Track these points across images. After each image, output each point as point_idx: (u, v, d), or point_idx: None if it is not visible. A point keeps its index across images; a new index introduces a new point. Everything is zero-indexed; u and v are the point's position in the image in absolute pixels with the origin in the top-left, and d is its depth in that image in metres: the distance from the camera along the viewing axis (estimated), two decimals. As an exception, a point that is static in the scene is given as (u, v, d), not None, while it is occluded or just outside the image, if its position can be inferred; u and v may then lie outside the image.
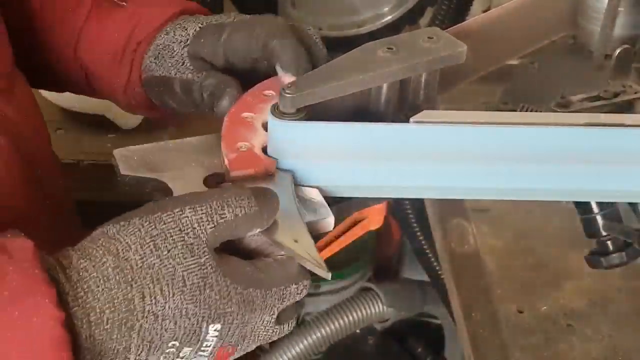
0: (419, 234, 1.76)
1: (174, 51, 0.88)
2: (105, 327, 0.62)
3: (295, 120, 0.75)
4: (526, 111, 0.92)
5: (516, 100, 0.95)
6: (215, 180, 0.77)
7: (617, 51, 0.95)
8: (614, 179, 0.79)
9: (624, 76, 0.95)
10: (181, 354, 0.66)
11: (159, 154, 0.80)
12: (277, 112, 0.75)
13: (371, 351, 2.09)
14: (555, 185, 0.80)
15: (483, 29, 0.92)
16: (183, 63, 0.88)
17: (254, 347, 0.70)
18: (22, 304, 0.59)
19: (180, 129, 1.56)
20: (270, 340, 0.71)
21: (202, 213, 0.66)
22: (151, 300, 0.64)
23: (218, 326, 0.66)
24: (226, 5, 1.99)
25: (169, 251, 0.64)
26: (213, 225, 0.66)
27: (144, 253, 0.64)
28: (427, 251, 1.76)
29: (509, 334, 1.15)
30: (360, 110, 0.79)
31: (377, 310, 1.90)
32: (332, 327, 1.87)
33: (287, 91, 0.74)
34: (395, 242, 2.17)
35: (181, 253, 0.65)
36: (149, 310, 0.63)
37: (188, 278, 0.64)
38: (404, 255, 2.17)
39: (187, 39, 0.88)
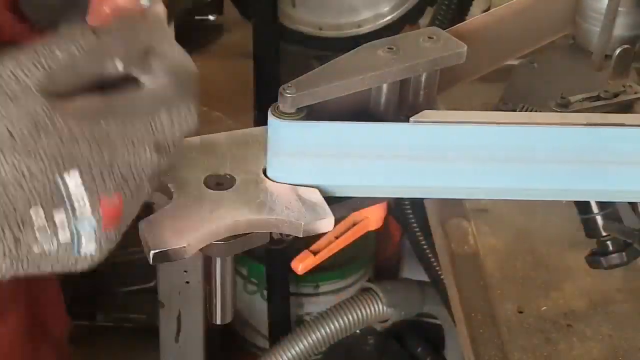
0: (419, 234, 1.77)
1: None
2: None
3: (295, 120, 0.75)
4: (526, 111, 0.92)
5: (516, 100, 0.95)
6: (215, 181, 0.77)
7: (617, 51, 0.95)
8: (614, 179, 0.79)
9: (624, 76, 0.95)
10: (58, 223, 0.58)
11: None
12: (277, 112, 0.75)
13: (371, 351, 2.09)
14: (555, 185, 0.80)
15: (483, 29, 0.92)
16: None
17: (147, 187, 0.63)
18: None
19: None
20: (154, 174, 0.63)
21: (28, 60, 0.58)
22: None
23: (75, 173, 0.58)
24: (226, 5, 2.00)
25: None
26: (43, 69, 0.58)
27: None
28: (427, 251, 1.76)
29: (508, 334, 1.16)
30: (360, 110, 0.79)
31: (377, 310, 1.90)
32: (332, 327, 1.87)
33: (287, 91, 0.74)
34: (395, 242, 2.18)
35: (2, 107, 0.57)
36: None
37: (14, 131, 0.56)
38: (404, 256, 2.17)
39: None
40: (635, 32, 0.99)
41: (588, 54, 0.99)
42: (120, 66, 0.62)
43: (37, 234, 0.58)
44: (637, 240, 0.97)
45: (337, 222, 0.76)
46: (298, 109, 0.75)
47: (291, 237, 0.76)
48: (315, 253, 0.84)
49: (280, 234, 0.76)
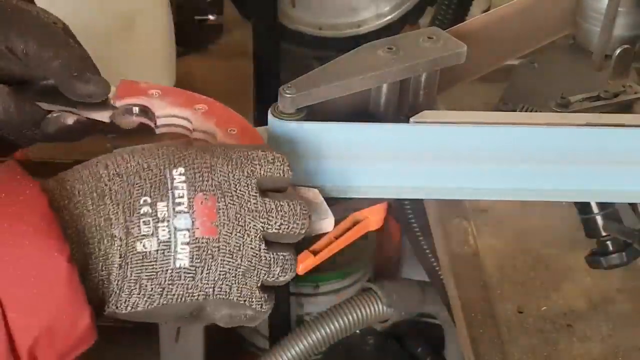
0: (419, 234, 1.77)
1: None
2: (79, 199, 0.65)
3: (295, 120, 0.75)
4: (526, 111, 0.92)
5: (516, 100, 0.95)
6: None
7: (617, 51, 0.95)
8: (614, 179, 0.79)
9: (624, 76, 0.95)
10: (159, 214, 0.65)
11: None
12: (276, 112, 0.75)
13: (371, 351, 2.08)
14: (555, 185, 0.80)
15: (483, 29, 0.92)
16: None
17: (244, 216, 0.67)
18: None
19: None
20: (268, 216, 0.68)
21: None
22: (114, 165, 0.67)
23: (182, 169, 0.67)
24: (226, 5, 1.99)
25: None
26: None
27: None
28: (427, 251, 1.76)
29: (508, 334, 1.15)
30: (360, 110, 0.79)
31: (377, 310, 1.90)
32: (332, 327, 1.87)
33: (287, 91, 0.74)
34: (395, 242, 2.17)
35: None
36: (113, 174, 0.66)
37: (146, 147, 0.68)
38: (404, 256, 2.17)
39: None
40: (635, 32, 0.99)
41: (588, 54, 0.99)
42: None
43: (142, 225, 0.65)
44: (637, 241, 0.97)
45: (337, 222, 0.76)
46: (298, 109, 0.75)
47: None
48: (315, 253, 0.84)
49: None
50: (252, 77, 1.81)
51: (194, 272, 0.66)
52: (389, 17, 1.93)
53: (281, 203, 0.68)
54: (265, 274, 0.68)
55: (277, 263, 0.68)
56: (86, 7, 1.48)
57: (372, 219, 0.85)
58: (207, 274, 0.66)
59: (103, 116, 0.81)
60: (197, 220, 0.66)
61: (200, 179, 0.67)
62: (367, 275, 2.14)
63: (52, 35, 0.80)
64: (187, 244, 0.65)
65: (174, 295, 0.66)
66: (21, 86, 0.82)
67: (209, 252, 0.66)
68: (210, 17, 1.98)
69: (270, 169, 0.69)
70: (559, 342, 1.15)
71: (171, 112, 0.79)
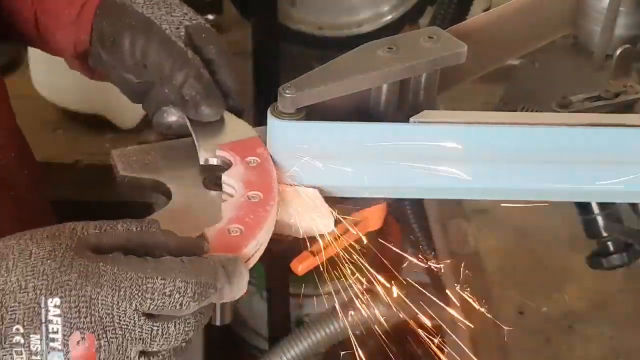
0: (419, 234, 1.76)
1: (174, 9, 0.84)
2: None
3: (295, 120, 0.75)
4: (526, 111, 0.92)
5: (516, 100, 0.94)
6: (214, 181, 0.77)
7: (618, 51, 0.94)
8: (614, 179, 0.79)
9: (625, 76, 0.95)
10: (32, 347, 0.62)
11: (158, 154, 0.79)
12: (276, 112, 0.75)
13: (371, 352, 2.08)
14: (555, 185, 0.79)
15: (483, 29, 0.91)
16: (178, 27, 0.84)
17: (127, 345, 0.64)
18: None
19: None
20: (151, 341, 0.65)
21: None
22: None
23: (57, 300, 0.62)
24: (226, 5, 1.99)
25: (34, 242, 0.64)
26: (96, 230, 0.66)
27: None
28: (427, 252, 1.76)
29: (509, 335, 1.15)
30: (360, 110, 0.79)
31: (377, 311, 1.89)
32: (332, 328, 1.87)
33: (287, 91, 0.74)
34: (395, 242, 2.17)
35: (47, 248, 0.64)
36: None
37: (35, 251, 0.64)
38: (404, 256, 2.17)
39: (193, 19, 0.85)
40: (636, 32, 0.99)
41: (589, 54, 0.99)
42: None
43: (15, 355, 0.62)
44: (638, 241, 0.97)
45: (337, 222, 0.76)
46: (298, 109, 0.75)
47: (291, 237, 0.76)
48: (315, 254, 0.84)
49: (280, 235, 0.75)
50: (252, 77, 1.81)
51: None
52: (389, 17, 1.93)
53: (168, 325, 0.65)
54: None
55: None
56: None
57: (372, 219, 0.85)
58: None
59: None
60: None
61: (77, 314, 0.63)
62: (366, 276, 2.14)
63: (170, 50, 0.80)
64: None
65: None
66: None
67: None
68: (210, 16, 1.98)
69: (164, 302, 0.64)
70: (559, 342, 1.15)
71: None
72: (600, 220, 0.99)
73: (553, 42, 1.02)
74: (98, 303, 0.63)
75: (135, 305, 0.63)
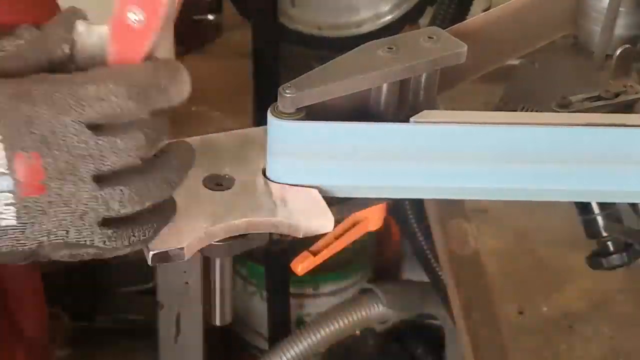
0: (418, 234, 1.76)
1: None
2: None
3: (294, 120, 0.75)
4: (526, 111, 0.92)
5: (516, 100, 0.94)
6: (214, 181, 0.77)
7: (618, 51, 0.94)
8: (614, 179, 0.79)
9: (625, 76, 0.95)
10: None
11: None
12: (276, 112, 0.75)
13: (371, 352, 2.08)
14: (555, 185, 0.79)
15: (483, 29, 0.91)
16: None
17: (75, 162, 0.62)
18: None
19: (179, 129, 1.56)
20: (101, 157, 0.62)
21: None
22: None
23: None
24: (226, 5, 1.99)
25: None
26: None
27: None
28: (427, 252, 1.76)
29: (509, 335, 1.15)
30: (360, 110, 0.79)
31: (377, 311, 1.90)
32: (332, 328, 1.87)
33: (287, 91, 0.74)
34: (395, 243, 2.17)
35: None
36: None
37: None
38: (404, 256, 2.17)
39: None
40: (636, 31, 0.99)
41: (589, 54, 0.99)
42: (66, 49, 0.65)
43: None
44: (638, 241, 0.97)
45: (337, 222, 0.76)
46: (298, 109, 0.75)
47: (291, 237, 0.76)
48: (315, 254, 0.84)
49: (280, 235, 0.75)
50: (252, 77, 1.81)
51: (23, 227, 0.62)
52: (389, 17, 1.93)
53: (116, 139, 0.62)
54: (105, 211, 0.64)
55: (114, 198, 0.64)
56: (84, 8, 1.47)
57: (372, 219, 0.85)
58: (38, 226, 0.63)
59: None
60: (21, 182, 0.61)
61: (19, 134, 0.61)
62: (367, 276, 2.14)
63: None
64: (12, 204, 0.62)
65: (1, 247, 0.63)
66: None
67: (39, 208, 0.62)
68: (209, 16, 1.98)
69: (103, 106, 0.62)
70: (559, 343, 1.15)
71: None
72: (600, 220, 0.99)
73: (553, 42, 1.02)
74: (39, 119, 0.61)
75: (74, 115, 0.61)
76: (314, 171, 0.76)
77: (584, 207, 1.00)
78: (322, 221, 0.75)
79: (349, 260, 2.06)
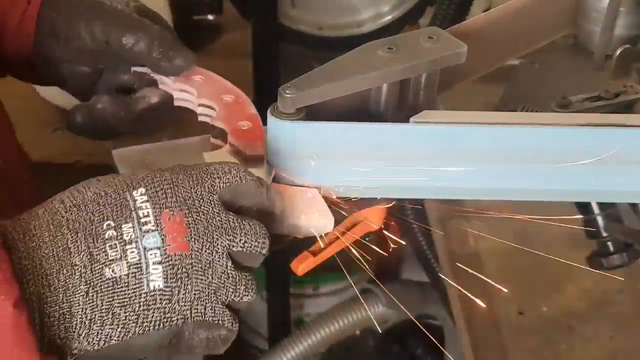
0: (419, 234, 1.76)
1: None
2: (34, 233, 0.63)
3: (294, 120, 0.75)
4: (526, 111, 0.92)
5: (516, 100, 0.94)
6: None
7: (618, 51, 0.94)
8: (614, 179, 0.79)
9: (625, 76, 0.95)
10: (125, 236, 0.63)
11: (158, 154, 0.79)
12: (276, 112, 0.75)
13: (371, 352, 2.08)
14: (555, 185, 0.79)
15: (483, 29, 0.91)
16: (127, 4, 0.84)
17: (212, 232, 0.65)
18: None
19: (179, 130, 1.56)
20: (233, 233, 0.66)
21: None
22: (70, 198, 0.65)
23: (142, 189, 0.65)
24: (226, 5, 1.99)
25: None
26: None
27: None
28: (427, 251, 1.76)
29: (509, 335, 1.15)
30: (360, 110, 0.79)
31: (377, 311, 1.90)
32: (332, 328, 1.87)
33: (287, 91, 0.74)
34: (395, 242, 2.17)
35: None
36: (70, 206, 0.64)
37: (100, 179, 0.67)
38: (404, 257, 2.17)
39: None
40: (636, 32, 0.98)
41: (589, 54, 0.99)
42: None
43: (108, 250, 0.62)
44: (638, 241, 0.97)
45: (337, 222, 0.76)
46: (298, 109, 0.75)
47: (291, 237, 0.76)
48: (315, 254, 0.83)
49: (280, 235, 0.75)
50: (252, 77, 1.81)
51: (170, 293, 0.63)
52: (389, 17, 1.93)
53: (243, 222, 0.66)
54: (232, 293, 0.66)
55: (241, 282, 0.66)
56: None
57: (372, 219, 0.85)
58: (184, 294, 0.64)
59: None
60: (168, 237, 0.63)
61: (164, 196, 0.65)
62: (366, 276, 2.14)
63: (129, 21, 0.81)
64: (160, 263, 0.63)
65: (150, 321, 0.63)
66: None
67: (184, 269, 0.64)
68: (210, 17, 1.98)
69: (229, 179, 0.67)
70: (559, 343, 1.15)
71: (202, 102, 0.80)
72: (600, 220, 0.99)
73: (553, 42, 1.02)
74: (179, 185, 0.66)
75: (208, 187, 0.66)
76: (314, 171, 0.76)
77: (584, 207, 1.00)
78: (322, 221, 0.75)
79: (349, 260, 2.06)
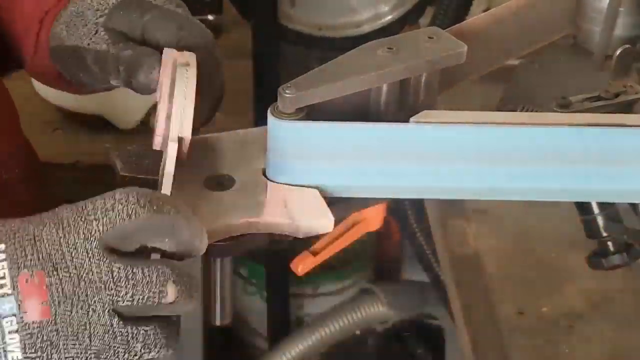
0: (418, 234, 1.76)
1: (88, 19, 0.80)
2: None
3: (294, 120, 0.75)
4: (526, 111, 0.92)
5: (516, 100, 0.94)
6: (214, 181, 0.77)
7: (618, 51, 0.94)
8: (614, 179, 0.79)
9: (625, 76, 0.95)
10: None
11: (158, 155, 0.79)
12: (276, 112, 0.75)
13: (371, 352, 2.08)
14: (555, 185, 0.79)
15: (483, 29, 0.91)
16: (97, 32, 0.79)
17: (86, 289, 0.58)
18: None
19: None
20: (116, 286, 0.58)
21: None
22: None
23: (2, 246, 0.58)
24: (226, 5, 1.99)
25: None
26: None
27: None
28: (427, 252, 1.76)
29: (509, 335, 1.15)
30: (360, 110, 0.79)
31: (377, 311, 1.90)
32: (332, 328, 1.87)
33: (287, 91, 0.74)
34: (395, 243, 2.17)
35: None
36: None
37: None
38: (404, 256, 2.17)
39: (105, 8, 0.80)
40: (636, 32, 0.98)
41: (589, 54, 0.99)
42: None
43: None
44: (638, 241, 0.96)
45: (337, 222, 0.76)
46: (298, 109, 0.75)
47: (291, 237, 0.76)
48: (315, 254, 0.84)
49: (280, 235, 0.75)
50: (252, 77, 1.81)
51: None
52: (389, 17, 1.93)
53: (135, 269, 0.58)
54: (124, 353, 0.58)
55: (136, 339, 0.58)
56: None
57: (372, 219, 0.85)
58: None
59: None
60: (25, 302, 0.57)
61: (23, 253, 0.57)
62: (367, 276, 2.14)
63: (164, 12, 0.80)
64: (16, 331, 0.57)
65: None
66: None
67: (45, 338, 0.57)
68: (210, 17, 1.98)
69: (110, 219, 0.58)
70: (559, 343, 1.15)
71: None
72: (600, 220, 0.99)
73: (553, 42, 1.02)
74: (43, 239, 0.58)
75: (83, 233, 0.58)
76: (314, 171, 0.76)
77: (584, 207, 1.00)
78: (322, 221, 0.75)
79: (349, 260, 2.07)
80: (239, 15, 1.97)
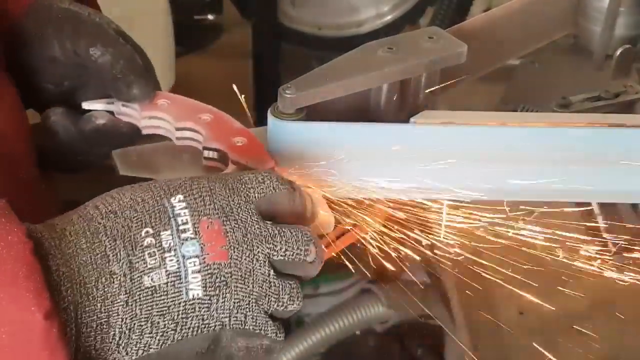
0: (418, 234, 1.76)
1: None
2: (70, 239, 0.61)
3: (294, 120, 0.75)
4: (527, 111, 0.92)
5: (516, 100, 0.94)
6: None
7: (618, 51, 0.94)
8: (614, 179, 0.79)
9: (625, 76, 0.95)
10: (164, 244, 0.62)
11: (158, 155, 0.79)
12: (276, 112, 0.75)
13: (371, 352, 2.08)
14: (555, 186, 0.79)
15: (483, 29, 0.91)
16: None
17: (251, 239, 0.64)
18: None
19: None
20: (273, 241, 0.65)
21: None
22: (105, 204, 0.63)
23: (180, 196, 0.64)
24: (226, 5, 1.99)
25: None
26: None
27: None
28: (427, 252, 1.76)
29: (509, 336, 1.15)
30: (360, 110, 0.79)
31: (377, 311, 1.89)
32: (332, 328, 1.87)
33: (287, 91, 0.74)
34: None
35: None
36: (105, 212, 0.63)
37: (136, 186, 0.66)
38: (404, 257, 2.17)
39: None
40: (636, 31, 0.99)
41: (589, 54, 0.99)
42: None
43: (147, 258, 0.61)
44: (638, 241, 0.96)
45: (336, 222, 0.76)
46: (297, 109, 0.75)
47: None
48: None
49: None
50: (252, 77, 1.82)
51: (208, 301, 0.62)
52: (389, 17, 1.93)
53: (283, 229, 0.65)
54: (275, 302, 0.65)
55: (285, 290, 0.65)
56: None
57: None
58: (222, 302, 0.63)
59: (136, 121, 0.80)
60: (206, 245, 0.62)
61: (202, 203, 0.64)
62: (366, 276, 2.14)
63: (101, 35, 0.80)
64: (199, 271, 0.62)
65: (189, 328, 0.62)
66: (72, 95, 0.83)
67: (222, 278, 0.63)
68: (210, 17, 1.98)
69: (263, 189, 0.66)
70: (560, 343, 1.15)
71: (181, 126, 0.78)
72: (600, 220, 0.99)
73: (553, 42, 1.02)
74: (216, 193, 0.65)
75: (244, 196, 0.65)
76: (314, 171, 0.76)
77: (585, 207, 1.00)
78: (322, 221, 0.74)
79: (349, 260, 2.07)
80: (239, 15, 1.97)
